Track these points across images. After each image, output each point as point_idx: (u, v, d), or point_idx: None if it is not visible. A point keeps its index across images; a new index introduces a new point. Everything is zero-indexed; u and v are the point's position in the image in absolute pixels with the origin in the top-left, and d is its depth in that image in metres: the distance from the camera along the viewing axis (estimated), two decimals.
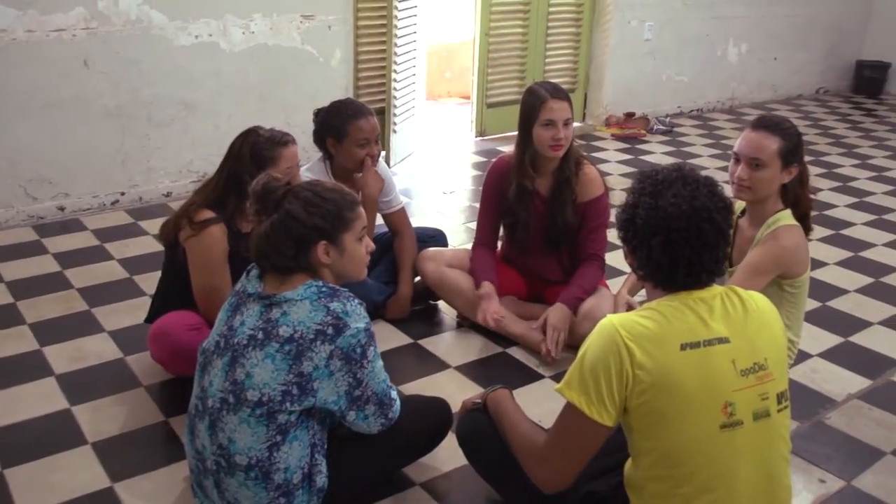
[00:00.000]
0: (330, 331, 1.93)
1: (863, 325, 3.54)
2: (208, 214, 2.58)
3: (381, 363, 2.05)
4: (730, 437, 1.72)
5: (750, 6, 7.17)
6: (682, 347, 1.73)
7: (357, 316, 1.97)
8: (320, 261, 2.01)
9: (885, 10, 8.30)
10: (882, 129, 7.06)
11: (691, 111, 7.11)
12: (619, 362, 1.73)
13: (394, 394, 2.11)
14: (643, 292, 3.00)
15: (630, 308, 2.83)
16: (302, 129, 3.99)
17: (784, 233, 2.51)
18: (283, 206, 1.96)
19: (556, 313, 3.00)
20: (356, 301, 2.01)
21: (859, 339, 3.43)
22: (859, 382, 3.08)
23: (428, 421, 2.30)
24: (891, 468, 2.62)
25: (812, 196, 2.66)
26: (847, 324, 3.49)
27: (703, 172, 5.38)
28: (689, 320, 1.77)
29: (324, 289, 1.98)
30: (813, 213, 2.67)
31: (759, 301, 1.89)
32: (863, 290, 3.85)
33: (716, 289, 1.84)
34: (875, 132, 6.93)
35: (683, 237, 1.77)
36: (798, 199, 2.59)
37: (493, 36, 5.74)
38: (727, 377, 1.75)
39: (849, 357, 3.25)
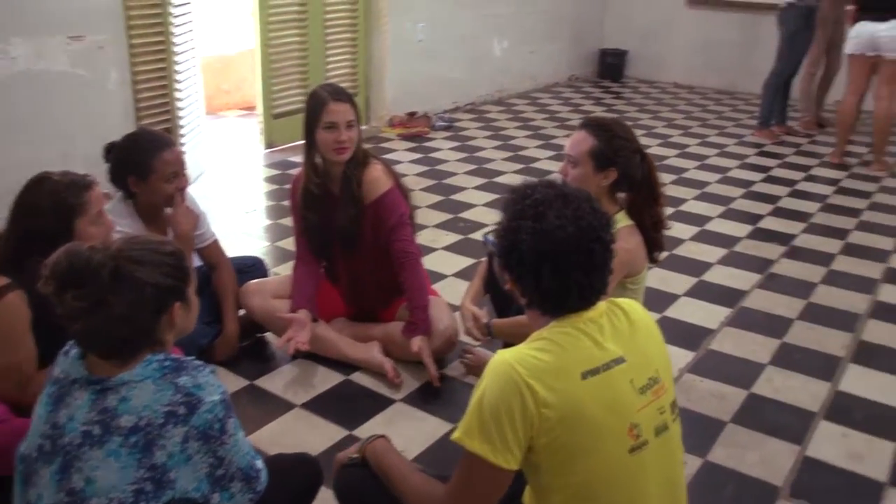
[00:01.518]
0: (182, 410, 1.54)
1: (671, 298, 3.55)
2: (2, 281, 2.05)
3: (242, 433, 1.68)
4: (639, 459, 1.56)
5: (507, 4, 7.21)
6: (584, 376, 1.54)
7: (211, 388, 1.59)
8: (173, 324, 1.61)
9: (617, 7, 8.70)
10: (631, 109, 7.35)
11: (466, 105, 7.05)
12: (521, 403, 1.50)
13: (259, 463, 1.75)
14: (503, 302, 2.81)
15: (477, 319, 2.60)
16: (84, 160, 3.43)
17: (624, 235, 2.39)
18: (127, 275, 1.52)
19: (423, 343, 2.72)
20: (207, 370, 1.62)
21: (672, 312, 3.43)
22: (684, 356, 3.07)
23: (298, 482, 1.94)
24: (734, 437, 2.61)
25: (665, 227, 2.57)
26: (658, 299, 3.48)
27: (489, 164, 5.29)
28: (584, 346, 1.58)
29: (167, 363, 1.58)
30: None
31: (639, 311, 1.73)
32: (661, 265, 3.87)
33: (600, 306, 1.65)
34: (627, 113, 7.19)
35: (573, 261, 1.56)
36: (645, 216, 2.48)
37: (273, 46, 5.31)
38: (629, 399, 1.58)
39: (669, 332, 3.16)
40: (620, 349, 1.60)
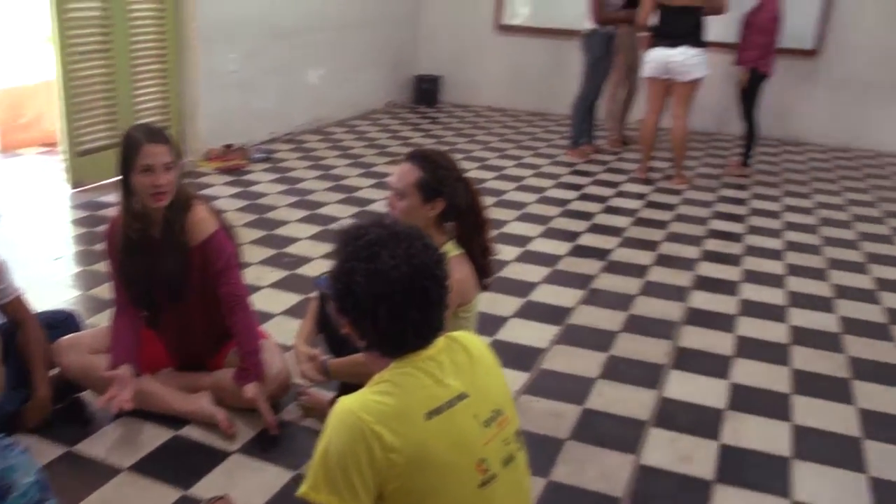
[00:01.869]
0: None
1: (501, 321, 3.60)
2: None
3: None
4: (489, 493, 1.56)
5: (321, 33, 7.16)
6: (428, 416, 1.53)
7: (24, 469, 1.44)
8: None
9: (430, 33, 8.88)
10: (448, 134, 7.49)
11: (284, 136, 6.91)
12: (368, 450, 1.46)
13: None
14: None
15: (313, 360, 2.52)
16: None
17: (455, 266, 2.40)
18: None
19: (256, 390, 2.60)
20: (18, 449, 1.47)
21: (503, 335, 3.49)
22: (518, 377, 3.12)
23: None
24: (573, 453, 2.67)
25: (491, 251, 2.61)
26: (488, 323, 3.52)
27: (311, 196, 5.24)
28: (426, 385, 1.57)
29: None
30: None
31: (477, 343, 1.74)
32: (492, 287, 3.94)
33: (439, 342, 1.64)
34: (444, 137, 7.33)
35: (409, 300, 1.54)
36: (473, 243, 2.50)
37: (75, 77, 4.97)
38: (474, 434, 1.58)
39: (501, 354, 3.17)
40: (462, 385, 1.60)
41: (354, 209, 5.06)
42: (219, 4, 5.84)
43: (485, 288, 2.65)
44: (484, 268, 2.59)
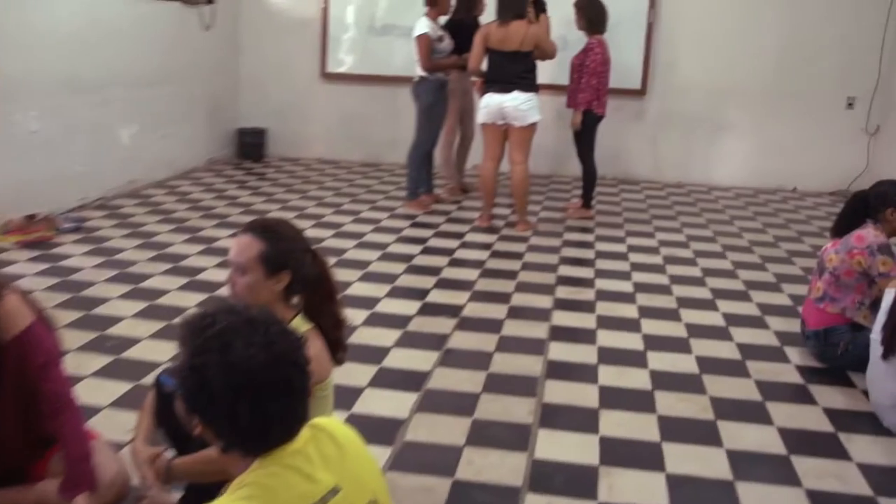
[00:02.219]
0: None
1: (356, 392, 3.51)
2: None
3: None
4: None
5: (131, 87, 6.88)
6: None
7: None
8: None
9: (251, 83, 8.78)
10: (278, 190, 7.37)
11: (96, 201, 6.54)
12: None
13: None
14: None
15: (158, 460, 2.34)
16: None
17: (308, 342, 2.31)
18: None
19: (89, 501, 2.38)
20: None
21: (360, 407, 3.40)
22: (382, 453, 3.03)
23: None
24: None
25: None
26: (343, 395, 3.36)
27: (132, 268, 4.95)
28: (294, 483, 1.49)
29: None
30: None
31: (343, 430, 1.69)
32: None
33: (303, 433, 1.57)
34: (274, 194, 7.22)
35: (271, 392, 1.46)
36: (323, 315, 2.42)
37: None
38: None
39: (361, 429, 3.00)
40: (333, 478, 1.53)
41: (183, 280, 4.83)
42: (10, 57, 5.48)
43: (339, 362, 2.57)
44: (337, 341, 2.51)
